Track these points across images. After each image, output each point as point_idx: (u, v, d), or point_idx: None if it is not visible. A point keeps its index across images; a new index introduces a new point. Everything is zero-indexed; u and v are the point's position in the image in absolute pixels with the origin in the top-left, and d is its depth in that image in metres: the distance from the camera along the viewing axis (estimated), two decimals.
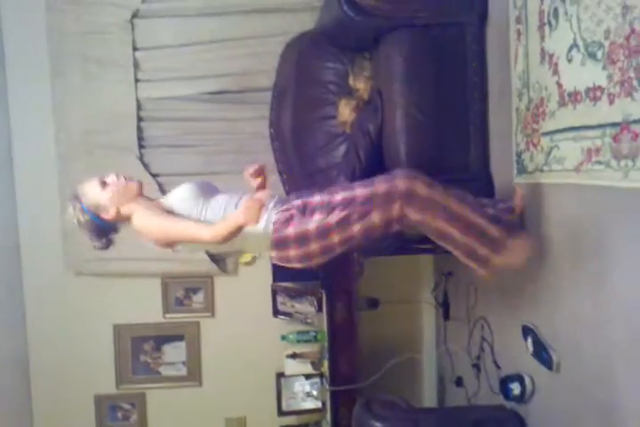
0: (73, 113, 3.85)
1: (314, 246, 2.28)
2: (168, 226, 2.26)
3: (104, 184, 2.36)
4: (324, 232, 2.26)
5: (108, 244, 2.44)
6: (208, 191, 2.43)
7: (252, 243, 2.35)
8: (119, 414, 4.11)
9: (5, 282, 3.82)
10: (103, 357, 4.02)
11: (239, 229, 2.15)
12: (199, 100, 3.84)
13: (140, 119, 3.84)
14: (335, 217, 2.25)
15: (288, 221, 2.28)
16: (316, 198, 2.32)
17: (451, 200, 2.29)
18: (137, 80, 3.81)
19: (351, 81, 3.22)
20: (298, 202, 2.34)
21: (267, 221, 2.29)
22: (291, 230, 2.27)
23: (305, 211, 2.29)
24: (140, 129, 3.84)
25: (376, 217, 2.25)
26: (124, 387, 4.08)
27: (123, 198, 2.35)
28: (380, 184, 2.27)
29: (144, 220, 2.30)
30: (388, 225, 2.29)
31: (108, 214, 2.34)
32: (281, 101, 3.50)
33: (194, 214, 2.30)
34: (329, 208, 2.27)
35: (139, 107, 3.83)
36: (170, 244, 2.32)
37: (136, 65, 3.80)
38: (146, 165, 3.84)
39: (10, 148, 3.89)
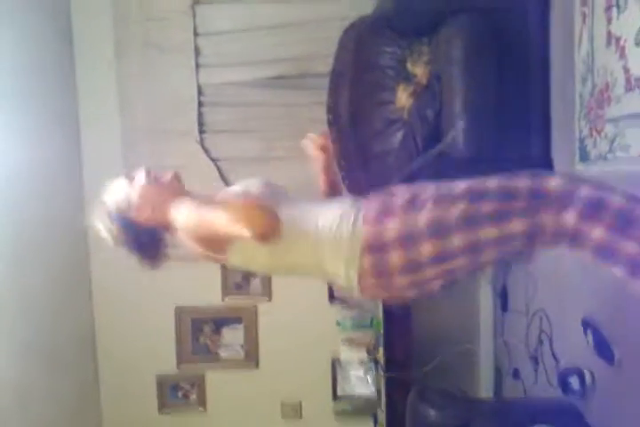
0: (136, 98, 3.92)
1: (427, 249, 1.58)
2: (213, 215, 1.68)
3: (132, 180, 1.89)
4: (440, 229, 1.58)
5: (158, 258, 1.93)
6: (275, 194, 1.89)
7: (322, 253, 1.68)
8: (179, 394, 4.21)
9: (73, 264, 3.95)
10: (165, 338, 4.12)
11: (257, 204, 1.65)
12: (259, 86, 3.86)
13: (200, 104, 3.88)
14: (459, 209, 1.58)
15: (384, 216, 1.62)
16: (430, 188, 1.67)
17: None
18: (198, 65, 3.85)
19: (409, 66, 3.17)
20: (401, 194, 1.68)
21: (346, 213, 1.68)
22: (391, 230, 1.59)
23: (413, 202, 1.63)
24: (200, 114, 3.89)
25: (514, 224, 1.57)
26: (185, 367, 4.17)
27: (157, 196, 1.84)
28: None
29: (185, 213, 1.77)
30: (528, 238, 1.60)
31: (142, 216, 1.83)
32: (338, 87, 3.48)
33: None
34: (449, 199, 1.61)
35: (199, 92, 3.88)
36: (215, 243, 1.75)
37: (197, 50, 3.84)
38: (206, 150, 3.89)
39: (78, 133, 4.00)
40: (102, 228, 1.89)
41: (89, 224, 1.92)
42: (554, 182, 1.60)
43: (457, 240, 1.57)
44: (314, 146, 2.03)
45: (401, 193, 1.68)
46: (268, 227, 1.57)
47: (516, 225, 1.56)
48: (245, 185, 1.92)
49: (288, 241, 1.67)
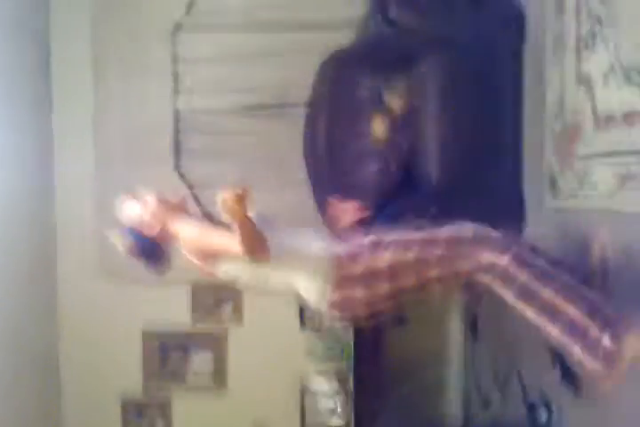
0: (113, 120, 3.92)
1: (384, 286, 1.93)
2: (211, 233, 2.10)
3: (145, 202, 2.26)
4: (398, 270, 1.92)
5: (163, 265, 2.30)
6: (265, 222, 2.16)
7: (301, 276, 2.02)
8: (145, 420, 4.13)
9: (40, 282, 3.88)
10: (131, 361, 4.05)
11: (248, 231, 1.91)
12: (236, 113, 3.88)
13: (177, 130, 3.89)
14: (413, 254, 1.91)
15: (355, 256, 1.96)
16: (389, 235, 2.00)
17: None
18: (176, 91, 3.87)
19: (386, 97, 3.22)
20: (368, 238, 2.02)
21: (322, 247, 2.01)
22: (358, 267, 1.94)
23: (378, 246, 1.97)
24: (177, 140, 3.89)
25: (459, 265, 1.91)
26: (151, 392, 4.10)
27: (166, 213, 2.23)
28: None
29: (187, 228, 2.18)
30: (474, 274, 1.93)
31: (152, 230, 2.21)
32: (315, 117, 3.51)
33: None
34: (405, 245, 1.93)
35: (176, 118, 3.88)
36: (210, 256, 2.12)
37: (175, 76, 3.85)
38: (182, 176, 3.89)
39: (52, 151, 3.97)
40: (118, 242, 2.24)
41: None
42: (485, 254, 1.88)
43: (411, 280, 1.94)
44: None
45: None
46: (259, 249, 1.95)
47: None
48: None
49: (272, 263, 2.01)
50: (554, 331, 1.87)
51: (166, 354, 4.11)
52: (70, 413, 4.06)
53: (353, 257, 1.95)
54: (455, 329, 4.13)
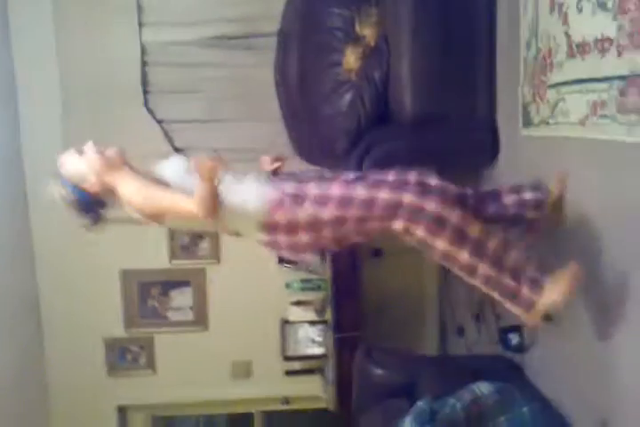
0: (77, 58, 3.78)
1: (303, 237, 2.08)
2: (156, 196, 2.10)
3: (82, 153, 2.20)
4: (314, 225, 2.06)
5: (97, 219, 2.23)
6: None
7: (241, 221, 2.14)
8: (128, 357, 4.21)
9: (14, 229, 3.86)
10: (112, 301, 4.09)
11: (211, 194, 2.00)
12: (204, 46, 3.77)
13: (144, 64, 3.78)
14: (330, 212, 2.04)
15: (279, 205, 2.07)
16: (310, 189, 2.09)
17: (488, 237, 2.02)
18: (141, 24, 3.73)
19: (358, 27, 3.15)
20: (288, 190, 2.11)
21: (257, 197, 2.09)
22: (281, 216, 2.06)
23: (298, 199, 2.07)
24: (144, 74, 3.78)
25: (373, 225, 2.05)
26: (133, 331, 4.16)
27: (103, 166, 2.17)
28: (400, 194, 2.01)
29: (131, 188, 2.14)
30: (386, 233, 2.08)
31: (90, 185, 2.16)
32: (287, 47, 3.44)
33: (187, 189, 2.08)
34: (323, 201, 2.05)
35: (143, 51, 3.76)
36: (157, 216, 2.15)
37: (140, 8, 3.71)
38: (150, 111, 3.80)
39: (15, 95, 3.85)
40: (56, 194, 2.17)
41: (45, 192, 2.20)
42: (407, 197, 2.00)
43: (326, 232, 2.07)
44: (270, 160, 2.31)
45: (289, 190, 2.10)
46: (213, 212, 2.03)
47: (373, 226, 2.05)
48: (174, 168, 2.20)
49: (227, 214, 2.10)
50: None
51: (146, 293, 4.14)
52: (54, 356, 4.11)
53: (278, 207, 2.07)
54: (430, 260, 4.19)
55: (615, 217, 2.05)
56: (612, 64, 1.94)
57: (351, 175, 2.17)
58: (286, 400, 4.23)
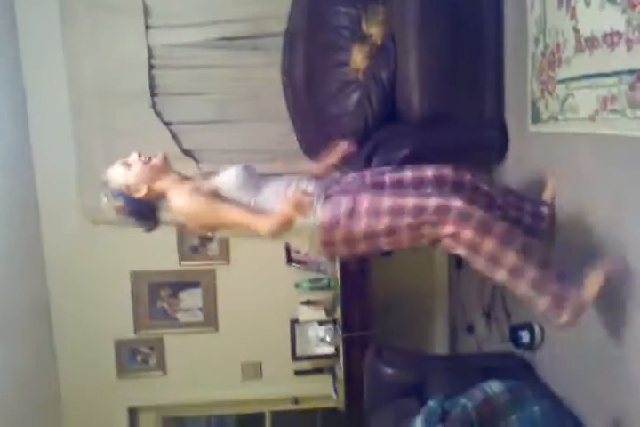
0: (84, 62, 3.79)
1: (361, 246, 2.21)
2: (221, 211, 2.17)
3: (127, 165, 2.29)
4: (371, 236, 2.17)
5: (156, 223, 2.37)
6: (254, 176, 2.33)
7: (298, 238, 2.26)
8: (138, 358, 4.22)
9: (24, 232, 3.87)
10: (122, 303, 4.10)
11: (290, 223, 2.10)
12: (211, 47, 3.77)
13: (151, 67, 3.78)
14: (383, 225, 2.14)
15: (334, 225, 2.17)
16: (364, 203, 2.18)
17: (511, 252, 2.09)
18: (147, 27, 3.74)
19: (364, 26, 3.14)
20: (345, 204, 2.19)
21: (314, 216, 2.18)
22: (338, 234, 2.17)
23: (352, 215, 2.17)
24: (151, 77, 3.79)
25: (425, 231, 2.14)
26: (143, 332, 4.17)
27: (151, 175, 2.27)
28: (432, 198, 2.12)
29: (189, 201, 2.20)
30: (436, 241, 2.18)
31: (141, 193, 2.26)
32: (293, 47, 3.44)
33: (244, 201, 2.20)
34: (377, 214, 2.15)
35: (150, 54, 3.77)
36: (213, 227, 2.28)
37: (146, 11, 3.72)
38: (158, 114, 3.81)
39: (24, 98, 3.87)
40: (109, 204, 2.28)
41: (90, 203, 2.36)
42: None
43: (384, 240, 2.18)
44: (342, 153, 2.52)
45: (345, 207, 2.17)
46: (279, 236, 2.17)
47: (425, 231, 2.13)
48: (232, 180, 2.26)
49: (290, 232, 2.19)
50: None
51: (156, 294, 4.15)
52: (65, 358, 4.12)
53: (334, 226, 2.16)
54: (440, 257, 4.19)
55: (627, 213, 2.03)
56: (621, 58, 1.93)
57: (389, 176, 2.32)
58: (295, 400, 4.23)
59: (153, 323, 4.17)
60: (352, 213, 2.16)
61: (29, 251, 3.92)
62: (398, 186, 2.30)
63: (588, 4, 2.12)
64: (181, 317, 4.19)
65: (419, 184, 2.29)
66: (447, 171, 2.31)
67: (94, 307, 4.05)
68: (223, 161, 3.45)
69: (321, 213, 2.18)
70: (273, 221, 2.10)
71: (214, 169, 2.43)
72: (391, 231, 2.14)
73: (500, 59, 2.98)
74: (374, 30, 3.10)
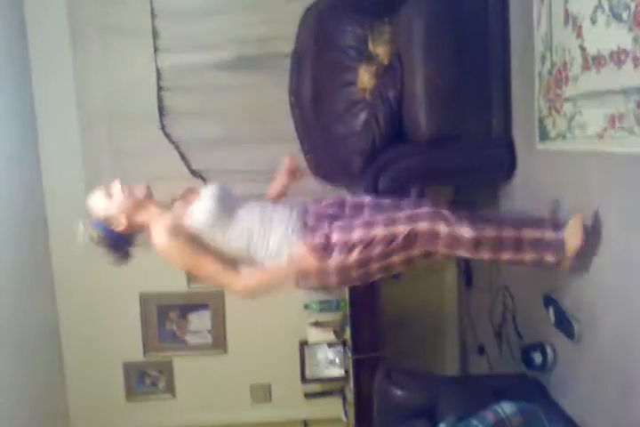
0: (94, 83, 3.84)
1: (334, 279, 2.26)
2: (196, 263, 2.21)
3: (109, 195, 2.27)
4: (343, 269, 2.22)
5: (126, 257, 2.34)
6: (230, 199, 2.34)
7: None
8: (147, 381, 4.19)
9: (34, 254, 3.88)
10: (131, 325, 4.09)
11: (269, 289, 2.23)
12: (218, 68, 3.81)
13: (160, 88, 3.81)
14: (355, 257, 2.20)
15: (325, 258, 2.21)
16: (335, 236, 2.23)
17: (485, 229, 2.20)
18: (156, 49, 3.78)
19: (371, 46, 3.16)
20: (317, 240, 2.23)
21: (289, 246, 2.25)
22: (312, 267, 2.22)
23: (326, 250, 2.22)
24: (160, 98, 3.82)
25: (396, 258, 2.23)
26: (152, 354, 4.14)
27: (133, 207, 2.26)
28: (400, 226, 2.19)
29: (167, 244, 2.18)
30: (410, 263, 2.28)
31: (120, 224, 2.25)
32: (300, 68, 3.45)
33: (218, 240, 2.22)
34: (348, 248, 2.20)
35: (159, 76, 3.81)
36: (192, 272, 2.40)
37: (155, 34, 3.76)
38: (167, 134, 3.84)
39: (34, 119, 3.90)
40: (85, 233, 2.27)
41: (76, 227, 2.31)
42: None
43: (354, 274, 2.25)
44: (286, 169, 2.59)
45: (317, 241, 2.23)
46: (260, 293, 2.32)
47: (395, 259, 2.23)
48: (204, 219, 2.24)
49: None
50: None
51: (164, 316, 4.13)
52: (74, 381, 4.11)
53: (325, 257, 2.21)
54: (450, 276, 4.16)
55: (635, 232, 2.00)
56: (628, 76, 1.92)
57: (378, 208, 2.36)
58: (305, 423, 4.18)
59: (162, 345, 4.15)
60: (344, 245, 2.20)
61: (39, 272, 3.92)
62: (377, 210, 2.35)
63: (594, 22, 2.12)
64: (190, 339, 4.17)
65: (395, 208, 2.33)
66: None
67: (103, 329, 4.04)
68: (232, 181, 3.46)
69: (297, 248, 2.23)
70: (252, 281, 2.21)
71: (194, 186, 2.46)
72: (384, 256, 2.20)
73: (507, 77, 2.98)
74: (381, 50, 3.11)
